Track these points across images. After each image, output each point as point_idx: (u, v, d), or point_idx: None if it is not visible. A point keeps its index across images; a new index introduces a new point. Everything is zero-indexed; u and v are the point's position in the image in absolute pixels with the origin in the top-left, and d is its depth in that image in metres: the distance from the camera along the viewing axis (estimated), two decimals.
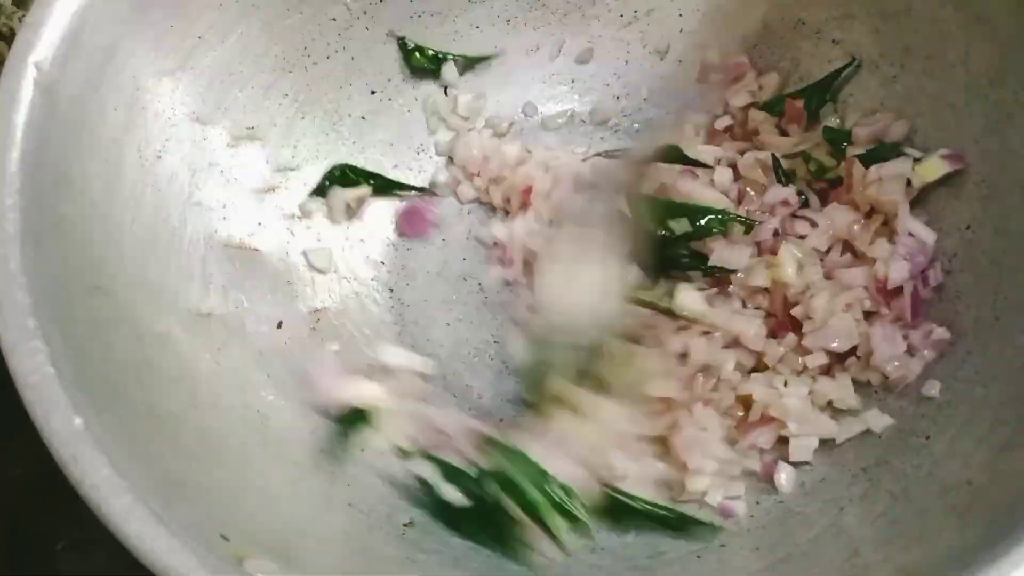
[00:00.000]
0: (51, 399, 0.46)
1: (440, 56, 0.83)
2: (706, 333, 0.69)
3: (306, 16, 0.75)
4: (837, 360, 0.68)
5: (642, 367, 0.68)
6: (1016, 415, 0.57)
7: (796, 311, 0.68)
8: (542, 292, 0.71)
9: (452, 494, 0.63)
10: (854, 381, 0.68)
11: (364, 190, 0.79)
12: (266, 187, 0.75)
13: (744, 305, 0.71)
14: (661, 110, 0.85)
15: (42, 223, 0.52)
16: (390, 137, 0.83)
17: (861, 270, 0.68)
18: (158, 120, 0.65)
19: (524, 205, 0.79)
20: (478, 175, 0.82)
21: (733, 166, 0.77)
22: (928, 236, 0.68)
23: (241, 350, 0.66)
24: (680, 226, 0.71)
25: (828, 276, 0.70)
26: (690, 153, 0.74)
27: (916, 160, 0.69)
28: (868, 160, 0.71)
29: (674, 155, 0.74)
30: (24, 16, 0.56)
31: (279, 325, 0.71)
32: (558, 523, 0.62)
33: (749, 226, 0.71)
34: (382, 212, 0.82)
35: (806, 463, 0.66)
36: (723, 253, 0.71)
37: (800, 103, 0.77)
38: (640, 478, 0.65)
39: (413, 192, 0.82)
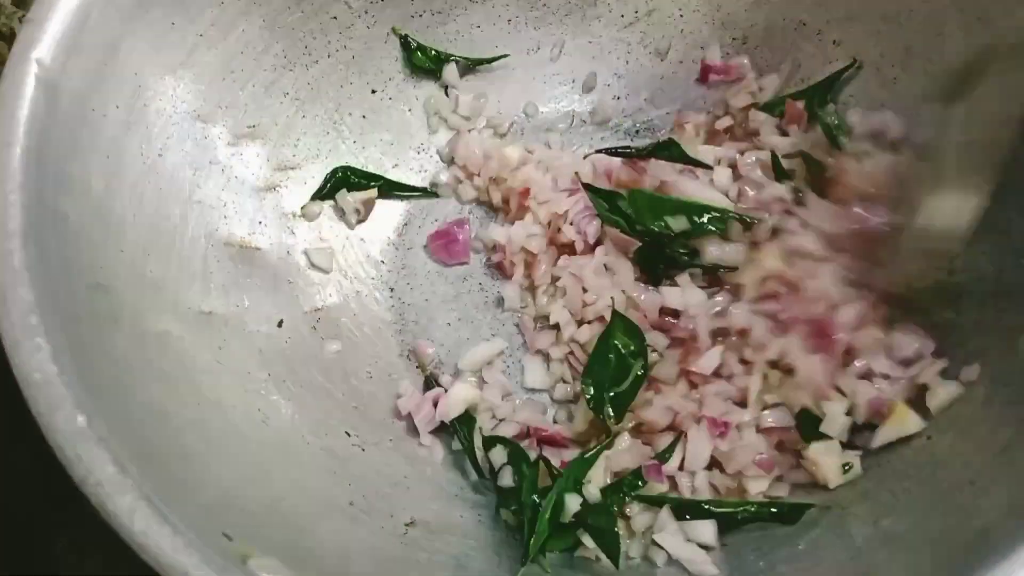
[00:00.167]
0: (54, 397, 0.46)
1: (442, 56, 0.83)
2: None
3: (307, 14, 0.75)
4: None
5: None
6: (1017, 416, 0.57)
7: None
8: None
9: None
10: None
11: (372, 192, 0.79)
12: (267, 186, 0.75)
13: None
14: (662, 110, 0.85)
15: (44, 220, 0.52)
16: (391, 136, 0.83)
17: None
18: (159, 118, 0.65)
19: (521, 208, 0.79)
20: (478, 175, 0.82)
21: (733, 166, 0.77)
22: None
23: (242, 349, 0.66)
24: (678, 224, 0.71)
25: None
26: (691, 153, 0.74)
27: None
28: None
29: (675, 154, 0.74)
30: (24, 16, 0.56)
31: (280, 324, 0.71)
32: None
33: (748, 224, 0.70)
34: (383, 212, 0.82)
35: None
36: (718, 251, 0.71)
37: (800, 104, 0.77)
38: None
39: (417, 194, 0.82)
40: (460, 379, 0.73)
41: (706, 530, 0.63)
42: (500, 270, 0.80)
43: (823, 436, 0.65)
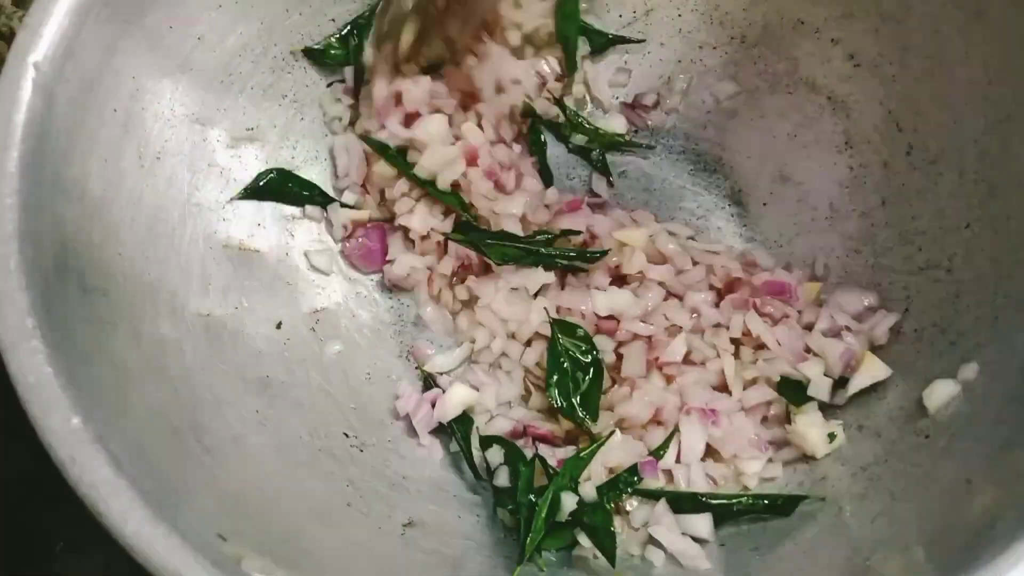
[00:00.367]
0: (49, 399, 0.46)
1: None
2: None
3: (305, 17, 0.75)
4: None
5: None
6: (1015, 414, 0.57)
7: None
8: None
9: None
10: None
11: (363, 214, 0.78)
12: None
13: None
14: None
15: (41, 223, 0.53)
16: None
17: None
18: (157, 121, 0.65)
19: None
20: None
21: None
22: None
23: (241, 350, 0.66)
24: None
25: None
26: None
27: None
28: None
29: None
30: (24, 16, 0.56)
31: (279, 325, 0.71)
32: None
33: None
34: None
35: None
36: None
37: None
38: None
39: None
40: (458, 381, 0.73)
41: (701, 523, 0.64)
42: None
43: (810, 399, 0.68)
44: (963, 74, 0.68)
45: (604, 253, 0.73)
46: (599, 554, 0.63)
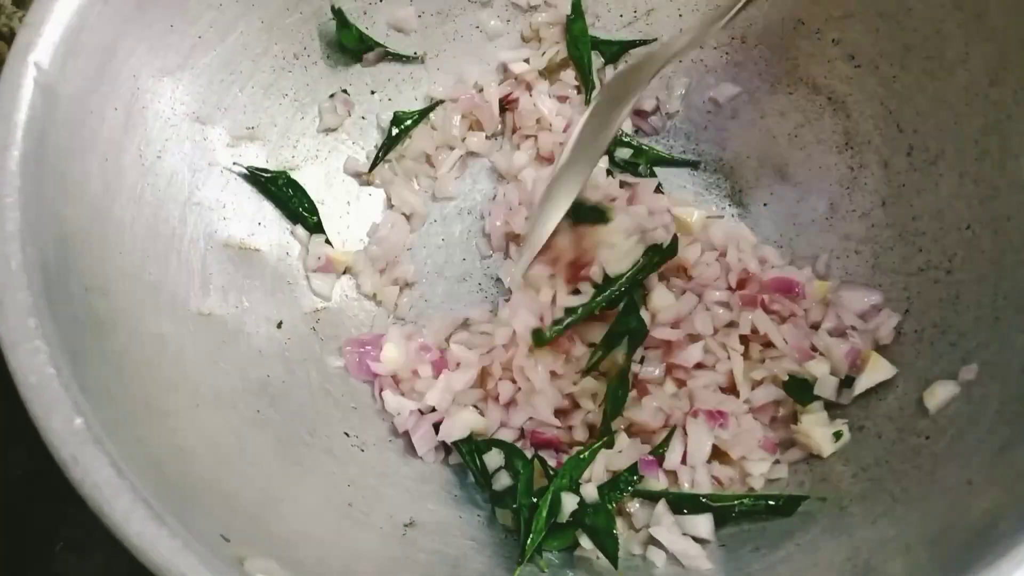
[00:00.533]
0: (51, 399, 0.46)
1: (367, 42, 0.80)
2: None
3: (306, 15, 0.75)
4: None
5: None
6: (1016, 415, 0.57)
7: None
8: None
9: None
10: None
11: (345, 258, 0.77)
12: None
13: None
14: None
15: (42, 222, 0.52)
16: None
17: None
18: (158, 120, 0.65)
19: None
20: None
21: None
22: None
23: (241, 350, 0.66)
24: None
25: None
26: None
27: None
28: None
29: None
30: (24, 16, 0.56)
31: (279, 325, 0.71)
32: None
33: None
34: (381, 211, 0.82)
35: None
36: None
37: None
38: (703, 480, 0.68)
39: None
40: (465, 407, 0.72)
41: (702, 524, 0.64)
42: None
43: (816, 398, 0.68)
44: (963, 74, 0.68)
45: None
46: (601, 555, 0.63)
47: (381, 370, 0.72)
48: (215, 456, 0.56)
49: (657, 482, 0.67)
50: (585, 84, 0.83)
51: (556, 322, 0.68)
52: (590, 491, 0.65)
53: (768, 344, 0.71)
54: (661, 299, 0.71)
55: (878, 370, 0.67)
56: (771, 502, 0.65)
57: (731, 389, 0.71)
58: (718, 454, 0.69)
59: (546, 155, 0.82)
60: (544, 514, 0.62)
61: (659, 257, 0.71)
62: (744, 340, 0.71)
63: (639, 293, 0.71)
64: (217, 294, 0.67)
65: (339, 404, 0.71)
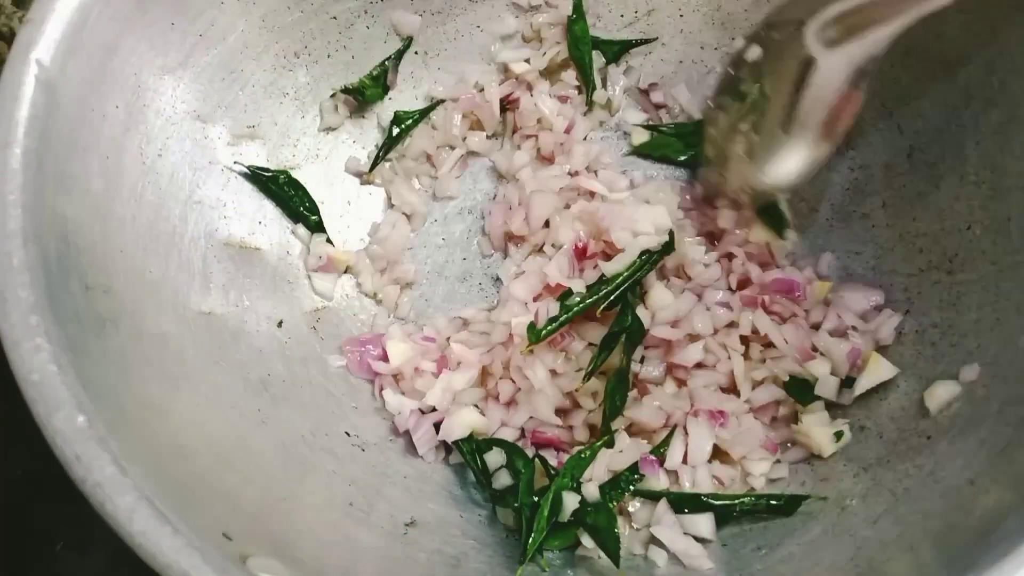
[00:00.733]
0: (53, 397, 0.46)
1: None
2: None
3: (307, 14, 0.75)
4: None
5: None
6: (1017, 416, 0.57)
7: None
8: None
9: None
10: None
11: (346, 257, 0.77)
12: None
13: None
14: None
15: (44, 220, 0.52)
16: None
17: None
18: (159, 118, 0.65)
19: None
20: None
21: None
22: None
23: (242, 348, 0.66)
24: None
25: None
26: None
27: None
28: None
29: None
30: (24, 16, 0.56)
31: (280, 324, 0.71)
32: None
33: None
34: (381, 210, 0.82)
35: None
36: None
37: None
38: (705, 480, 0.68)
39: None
40: (466, 405, 0.72)
41: (704, 523, 0.64)
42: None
43: (817, 398, 0.68)
44: (963, 75, 0.68)
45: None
46: (602, 554, 0.63)
47: (384, 368, 0.72)
48: (216, 455, 0.56)
49: (658, 481, 0.67)
50: (586, 84, 0.83)
51: (551, 319, 0.68)
52: (591, 490, 0.65)
53: (769, 344, 0.71)
54: (660, 298, 0.71)
55: (879, 370, 0.68)
56: (772, 502, 0.65)
57: (732, 389, 0.71)
58: (719, 454, 0.69)
59: (547, 155, 0.82)
60: (546, 513, 0.62)
61: (657, 256, 0.71)
62: (744, 340, 0.72)
63: (637, 292, 0.71)
64: (218, 293, 0.67)
65: (340, 403, 0.70)
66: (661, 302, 0.71)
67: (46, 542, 0.71)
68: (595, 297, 0.69)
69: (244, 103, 0.73)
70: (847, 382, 0.69)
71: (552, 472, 0.66)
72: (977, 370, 0.62)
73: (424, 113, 0.82)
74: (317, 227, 0.76)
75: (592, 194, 0.78)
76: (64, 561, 0.71)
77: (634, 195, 0.77)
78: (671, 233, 0.71)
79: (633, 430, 0.70)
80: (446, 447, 0.71)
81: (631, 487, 0.66)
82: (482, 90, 0.83)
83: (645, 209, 0.72)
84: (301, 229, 0.76)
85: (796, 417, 0.69)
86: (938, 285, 0.68)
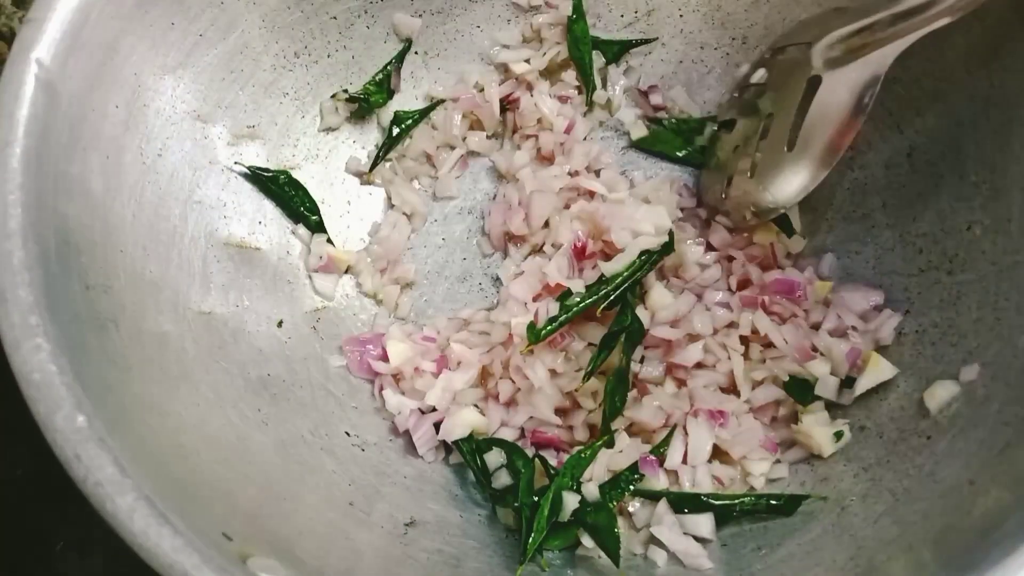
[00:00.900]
0: (54, 397, 0.46)
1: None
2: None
3: (307, 14, 0.75)
4: None
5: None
6: (1017, 416, 0.57)
7: None
8: None
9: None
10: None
11: (346, 257, 0.77)
12: None
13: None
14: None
15: (44, 220, 0.52)
16: None
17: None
18: (159, 118, 0.65)
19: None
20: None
21: None
22: None
23: (242, 348, 0.66)
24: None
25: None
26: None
27: None
28: None
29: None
30: (24, 16, 0.56)
31: (279, 324, 0.71)
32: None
33: None
34: (381, 210, 0.82)
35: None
36: None
37: None
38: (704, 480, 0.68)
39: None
40: (466, 405, 0.72)
41: (703, 523, 0.64)
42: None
43: (817, 398, 0.69)
44: (963, 75, 0.68)
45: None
46: (602, 554, 0.63)
47: (384, 368, 0.72)
48: (216, 454, 0.56)
49: (658, 481, 0.67)
50: (586, 84, 0.83)
51: (551, 320, 0.68)
52: (591, 490, 0.65)
53: (769, 344, 0.71)
54: (660, 298, 0.71)
55: (879, 370, 0.68)
56: (772, 501, 0.65)
57: (731, 389, 0.71)
58: (719, 453, 0.69)
59: (547, 155, 0.82)
60: (546, 513, 0.62)
61: (656, 256, 0.71)
62: (744, 340, 0.72)
63: (636, 292, 0.71)
64: (218, 292, 0.67)
65: (340, 403, 0.70)
66: (661, 302, 0.71)
67: (46, 542, 0.71)
68: (595, 297, 0.69)
69: (244, 103, 0.73)
70: (847, 382, 0.69)
71: (552, 472, 0.66)
72: (977, 370, 0.62)
73: (424, 113, 0.82)
74: (317, 227, 0.76)
75: (592, 194, 0.78)
76: (64, 561, 0.71)
77: (633, 194, 0.77)
78: (671, 233, 0.71)
79: (633, 430, 0.70)
80: (446, 447, 0.71)
81: (631, 487, 0.66)
82: (482, 90, 0.83)
83: (645, 209, 0.72)
84: (301, 229, 0.76)
85: (796, 417, 0.69)
86: (938, 285, 0.68)
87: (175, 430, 0.55)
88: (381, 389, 0.72)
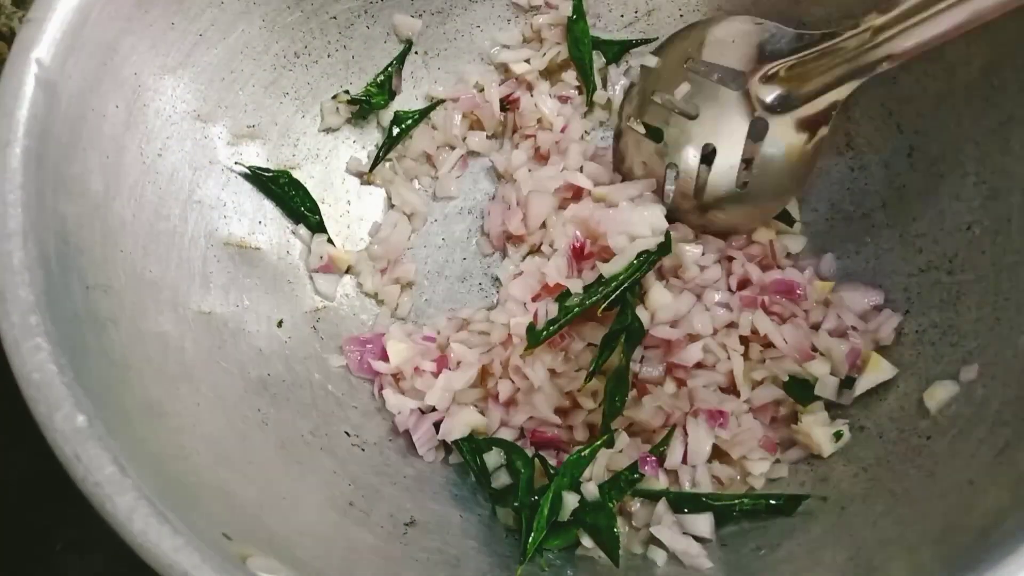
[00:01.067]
0: (54, 396, 0.46)
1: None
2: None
3: (307, 13, 0.75)
4: None
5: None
6: (1017, 416, 0.57)
7: None
8: None
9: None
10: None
11: (347, 257, 0.77)
12: None
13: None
14: None
15: (43, 220, 0.52)
16: None
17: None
18: (159, 118, 0.65)
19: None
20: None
21: None
22: None
23: (242, 348, 0.66)
24: None
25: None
26: None
27: None
28: None
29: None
30: (24, 16, 0.56)
31: (279, 324, 0.71)
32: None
33: None
34: (382, 210, 0.82)
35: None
36: None
37: None
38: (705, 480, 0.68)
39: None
40: (466, 405, 0.72)
41: (703, 523, 0.64)
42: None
43: (817, 398, 0.69)
44: (964, 75, 0.68)
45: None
46: (602, 554, 0.63)
47: (384, 368, 0.72)
48: (216, 454, 0.56)
49: (658, 481, 0.67)
50: (586, 84, 0.83)
51: (551, 321, 0.68)
52: (591, 490, 0.65)
53: (768, 344, 0.71)
54: (659, 298, 0.71)
55: (879, 370, 0.68)
56: (772, 501, 0.65)
57: (731, 389, 0.71)
58: (718, 453, 0.69)
59: (544, 154, 0.82)
60: (545, 512, 0.62)
61: (654, 256, 0.71)
62: (744, 340, 0.72)
63: (636, 292, 0.71)
64: (218, 292, 0.67)
65: (340, 403, 0.70)
66: (660, 302, 0.71)
67: (46, 542, 0.71)
68: (594, 298, 0.69)
69: (244, 103, 0.73)
70: (847, 382, 0.69)
71: (552, 472, 0.66)
72: (977, 370, 0.62)
73: (424, 113, 0.83)
74: (318, 227, 0.76)
75: (588, 193, 0.78)
76: (64, 561, 0.71)
77: (627, 193, 0.77)
78: (667, 234, 0.71)
79: (633, 430, 0.70)
80: (446, 447, 0.71)
81: (631, 487, 0.66)
82: (482, 90, 0.83)
83: (639, 211, 0.72)
84: (302, 229, 0.76)
85: (796, 417, 0.69)
86: (938, 285, 0.68)
87: (175, 430, 0.55)
88: (381, 389, 0.72)
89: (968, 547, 0.50)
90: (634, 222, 0.71)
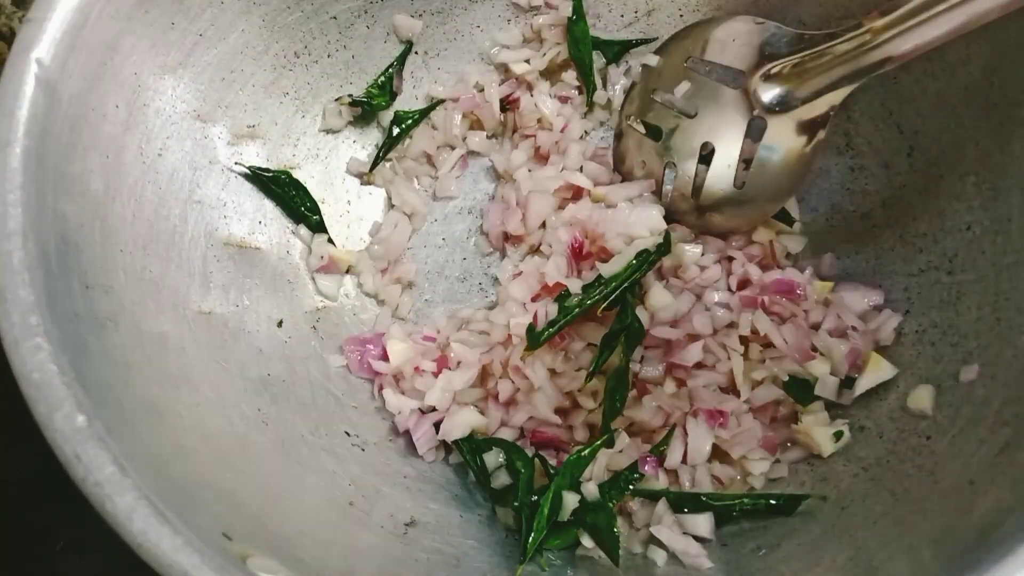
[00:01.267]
0: (54, 396, 0.46)
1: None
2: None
3: (307, 14, 0.75)
4: None
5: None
6: (1017, 415, 0.57)
7: None
8: None
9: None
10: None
11: (347, 257, 0.77)
12: None
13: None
14: None
15: (43, 219, 0.52)
16: None
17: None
18: (159, 117, 0.65)
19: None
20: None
21: None
22: None
23: (242, 348, 0.66)
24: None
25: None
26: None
27: None
28: None
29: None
30: (24, 16, 0.56)
31: (280, 323, 0.71)
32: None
33: None
34: (380, 211, 0.82)
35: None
36: None
37: None
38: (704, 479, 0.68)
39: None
40: (466, 405, 0.72)
41: (702, 523, 0.64)
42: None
43: (817, 398, 0.69)
44: (964, 75, 0.68)
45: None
46: (602, 553, 0.63)
47: (384, 368, 0.72)
48: (216, 454, 0.56)
49: (658, 481, 0.67)
50: (586, 84, 0.83)
51: (551, 322, 0.68)
52: (591, 489, 0.65)
53: (768, 344, 0.71)
54: (659, 298, 0.71)
55: (879, 370, 0.68)
56: (772, 501, 0.65)
57: (731, 389, 0.71)
58: (718, 453, 0.69)
59: (544, 154, 0.82)
60: (546, 512, 0.62)
61: (654, 257, 0.71)
62: (744, 340, 0.72)
63: (636, 292, 0.71)
64: (218, 292, 0.67)
65: (340, 403, 0.70)
66: (660, 302, 0.71)
67: (46, 542, 0.71)
68: (594, 299, 0.69)
69: (244, 103, 0.73)
70: (847, 382, 0.69)
71: (552, 472, 0.66)
72: (977, 370, 0.62)
73: (424, 113, 0.83)
74: (318, 227, 0.76)
75: (587, 193, 0.78)
76: (64, 561, 0.71)
77: (626, 193, 0.77)
78: (666, 234, 0.71)
79: (633, 430, 0.70)
80: (446, 447, 0.71)
81: (631, 487, 0.66)
82: (482, 90, 0.83)
83: (638, 212, 0.72)
84: (303, 229, 0.76)
85: (796, 417, 0.70)
86: (938, 285, 0.68)
87: (175, 430, 0.55)
88: (381, 389, 0.72)
89: (968, 547, 0.50)
90: (633, 223, 0.71)
